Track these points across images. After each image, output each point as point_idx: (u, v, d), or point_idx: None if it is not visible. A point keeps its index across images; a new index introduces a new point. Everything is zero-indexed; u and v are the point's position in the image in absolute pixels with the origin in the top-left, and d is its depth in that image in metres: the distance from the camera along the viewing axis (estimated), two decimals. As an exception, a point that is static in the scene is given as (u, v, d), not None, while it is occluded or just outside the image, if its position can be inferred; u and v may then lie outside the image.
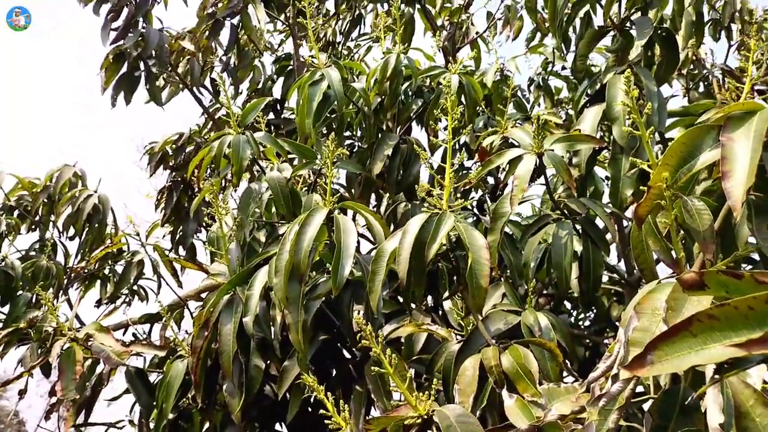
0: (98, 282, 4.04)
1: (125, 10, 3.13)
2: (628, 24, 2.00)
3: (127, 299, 4.08)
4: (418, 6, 4.05)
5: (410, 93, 2.45)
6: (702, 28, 2.28)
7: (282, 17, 4.01)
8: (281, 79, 3.99)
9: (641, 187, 1.72)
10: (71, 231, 3.63)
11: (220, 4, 2.91)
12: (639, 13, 2.04)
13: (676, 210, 0.90)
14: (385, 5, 4.04)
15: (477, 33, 4.19)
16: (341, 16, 4.48)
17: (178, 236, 4.34)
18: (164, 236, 4.67)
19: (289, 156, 2.34)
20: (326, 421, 1.15)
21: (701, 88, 4.34)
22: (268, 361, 1.92)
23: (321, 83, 2.22)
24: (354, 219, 2.18)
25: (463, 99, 2.43)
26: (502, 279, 1.83)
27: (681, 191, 1.01)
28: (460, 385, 1.26)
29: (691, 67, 4.37)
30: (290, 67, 3.98)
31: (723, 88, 3.85)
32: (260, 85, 3.98)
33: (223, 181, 2.79)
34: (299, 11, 4.16)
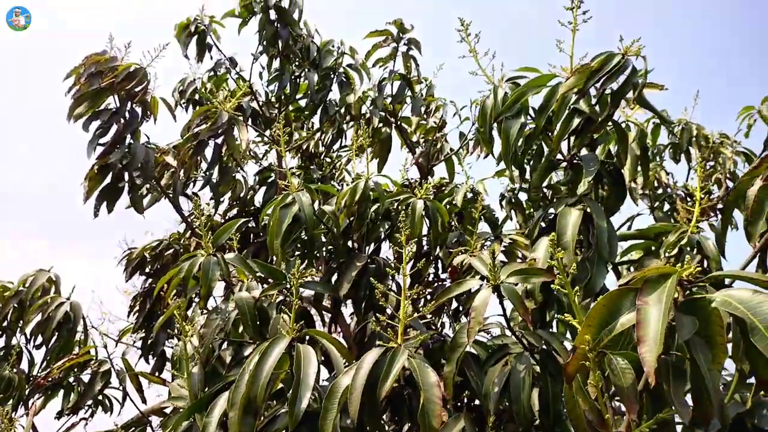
0: (61, 392, 3.90)
1: (114, 127, 3.28)
2: (577, 159, 2.15)
3: (91, 410, 3.93)
4: (395, 124, 4.30)
5: (379, 215, 2.55)
6: (647, 162, 2.44)
7: (268, 132, 4.22)
8: (263, 188, 4.13)
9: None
10: (39, 338, 3.56)
11: (204, 125, 3.07)
12: (588, 148, 2.21)
13: (607, 369, 0.95)
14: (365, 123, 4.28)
15: (451, 150, 4.42)
16: (324, 130, 4.73)
17: (149, 343, 4.26)
18: (134, 342, 4.59)
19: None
20: None
21: (667, 206, 4.56)
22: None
23: (292, 206, 2.32)
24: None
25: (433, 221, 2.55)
26: (463, 413, 1.82)
27: (613, 347, 1.06)
28: None
29: (656, 185, 4.61)
30: (272, 178, 4.14)
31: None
32: (242, 195, 4.10)
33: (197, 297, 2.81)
34: (285, 126, 4.41)
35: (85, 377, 3.73)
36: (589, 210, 2.01)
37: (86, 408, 3.85)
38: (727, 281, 1.61)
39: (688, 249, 2.41)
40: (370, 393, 1.42)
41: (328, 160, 5.00)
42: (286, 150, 4.42)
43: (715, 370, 0.91)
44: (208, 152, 3.52)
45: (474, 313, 1.74)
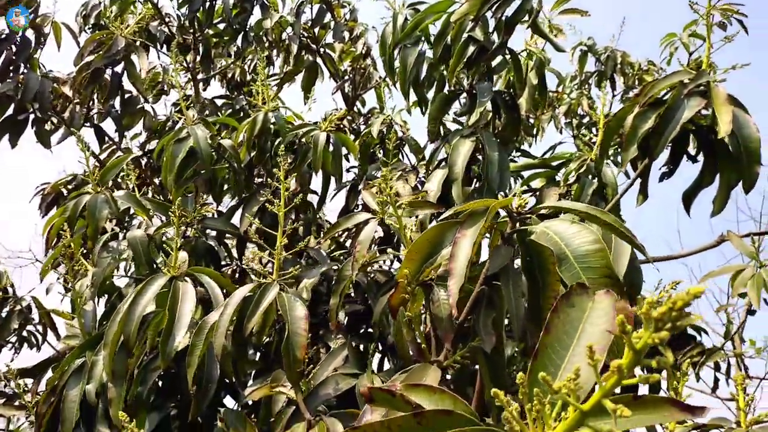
0: (-19, 331, 3.82)
1: (3, 55, 3.04)
2: (475, 89, 2.12)
3: (14, 347, 3.88)
4: (317, 51, 4.14)
5: (283, 148, 2.48)
6: (545, 92, 2.43)
7: (185, 59, 4.00)
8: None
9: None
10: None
11: (100, 52, 2.87)
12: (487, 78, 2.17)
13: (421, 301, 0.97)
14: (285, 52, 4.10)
15: (380, 78, 4.31)
16: (246, 57, 4.52)
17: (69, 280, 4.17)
18: (58, 279, 4.49)
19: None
20: None
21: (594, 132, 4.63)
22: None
23: (186, 141, 2.23)
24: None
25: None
26: (347, 340, 1.86)
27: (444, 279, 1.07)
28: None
29: (581, 113, 4.66)
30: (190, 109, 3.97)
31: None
32: (160, 127, 3.93)
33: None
34: (203, 54, 4.18)
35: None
36: (481, 141, 2.00)
37: (11, 345, 3.81)
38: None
39: (589, 177, 2.47)
40: (237, 329, 1.43)
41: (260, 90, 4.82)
42: (204, 79, 4.23)
43: (521, 299, 0.94)
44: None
45: (359, 247, 1.74)
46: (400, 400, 0.65)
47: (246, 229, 2.28)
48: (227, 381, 1.81)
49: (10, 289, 3.59)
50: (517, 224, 1.01)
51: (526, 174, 2.67)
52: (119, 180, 3.96)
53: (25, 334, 3.86)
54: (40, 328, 3.68)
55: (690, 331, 3.57)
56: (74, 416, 1.81)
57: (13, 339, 3.94)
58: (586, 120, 4.59)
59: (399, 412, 0.64)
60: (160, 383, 1.78)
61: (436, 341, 1.03)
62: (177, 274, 1.72)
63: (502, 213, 1.07)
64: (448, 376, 1.02)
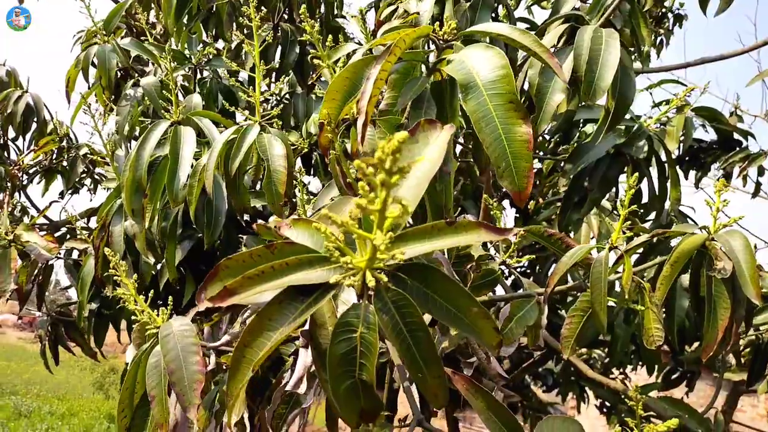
0: (59, 176, 4.26)
1: None
2: None
3: (90, 188, 4.35)
4: None
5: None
6: None
7: None
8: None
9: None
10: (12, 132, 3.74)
11: None
12: None
13: (351, 139, 1.01)
14: None
15: None
16: None
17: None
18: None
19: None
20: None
21: None
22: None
23: (179, -21, 2.19)
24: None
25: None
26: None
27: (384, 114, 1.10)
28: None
29: None
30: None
31: None
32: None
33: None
34: None
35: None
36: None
37: (85, 186, 4.29)
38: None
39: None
40: (225, 169, 1.55)
41: None
42: None
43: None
44: None
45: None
46: (275, 233, 0.75)
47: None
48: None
49: (72, 137, 3.93)
50: (442, 53, 1.00)
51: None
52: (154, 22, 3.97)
53: (97, 177, 4.30)
54: (103, 171, 4.07)
55: (737, 136, 3.43)
56: (121, 248, 2.09)
57: (87, 181, 4.41)
58: None
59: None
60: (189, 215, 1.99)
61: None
62: (178, 119, 1.82)
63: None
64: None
